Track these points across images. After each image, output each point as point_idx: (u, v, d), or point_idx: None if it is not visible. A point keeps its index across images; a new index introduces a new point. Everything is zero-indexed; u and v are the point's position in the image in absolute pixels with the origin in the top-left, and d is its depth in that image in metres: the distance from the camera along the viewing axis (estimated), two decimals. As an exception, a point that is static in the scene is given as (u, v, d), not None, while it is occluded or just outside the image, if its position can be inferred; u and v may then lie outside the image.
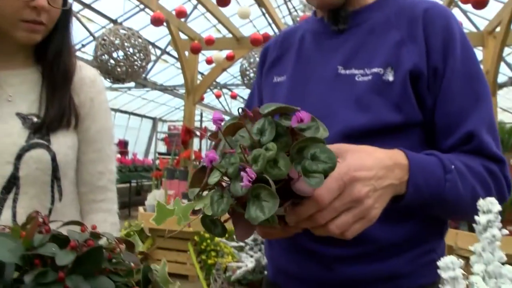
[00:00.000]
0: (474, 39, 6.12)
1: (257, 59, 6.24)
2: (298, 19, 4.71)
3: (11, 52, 1.08)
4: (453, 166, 0.79)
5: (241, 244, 3.41)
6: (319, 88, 0.94)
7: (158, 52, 9.96)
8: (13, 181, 1.01)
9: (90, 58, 7.92)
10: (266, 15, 7.37)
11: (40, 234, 0.48)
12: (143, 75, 9.59)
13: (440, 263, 0.54)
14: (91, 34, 8.12)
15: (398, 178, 0.73)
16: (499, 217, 0.53)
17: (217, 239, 3.72)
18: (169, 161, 6.71)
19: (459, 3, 5.34)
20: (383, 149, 0.75)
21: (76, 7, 7.42)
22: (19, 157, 1.01)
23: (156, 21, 4.97)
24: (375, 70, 0.88)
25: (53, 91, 1.10)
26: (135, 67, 4.95)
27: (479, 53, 6.64)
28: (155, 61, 10.08)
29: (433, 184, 0.77)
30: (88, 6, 7.68)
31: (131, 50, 4.96)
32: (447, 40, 0.87)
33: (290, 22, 8.54)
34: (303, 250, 0.88)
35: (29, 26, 1.02)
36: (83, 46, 8.58)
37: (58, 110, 1.08)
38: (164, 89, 11.98)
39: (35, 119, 1.06)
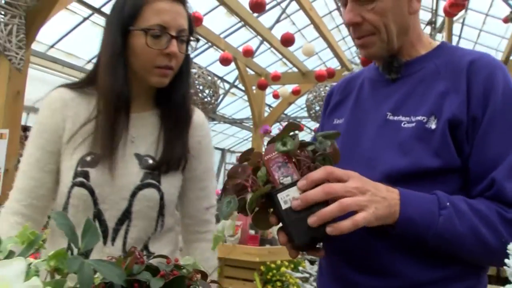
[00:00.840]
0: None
1: (323, 93, 6.37)
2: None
3: (135, 96, 1.17)
4: (448, 203, 0.85)
5: (306, 275, 3.46)
6: (370, 132, 1.01)
7: (227, 85, 10.34)
8: (126, 215, 1.12)
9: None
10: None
11: (137, 265, 0.63)
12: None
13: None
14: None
15: (390, 204, 0.84)
16: (522, 255, 0.58)
17: (283, 269, 3.78)
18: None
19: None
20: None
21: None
22: (133, 194, 1.12)
23: (225, 61, 5.28)
24: (419, 118, 0.95)
25: (173, 135, 1.19)
26: (205, 103, 5.25)
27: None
28: (224, 95, 10.44)
29: (426, 217, 0.84)
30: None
31: (201, 87, 5.27)
32: (488, 90, 0.92)
33: (355, 54, 8.61)
34: (346, 280, 0.96)
35: (161, 71, 1.13)
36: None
37: (172, 153, 1.17)
38: (233, 122, 12.35)
39: (150, 161, 1.16)
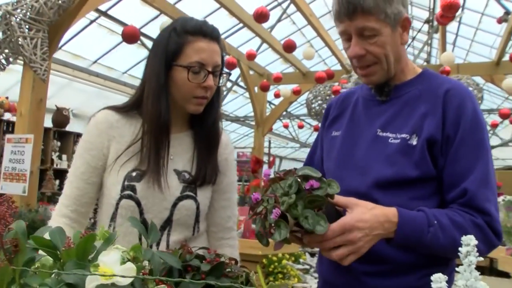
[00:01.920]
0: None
1: (322, 92, 6.59)
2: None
3: (173, 119, 1.31)
4: (435, 221, 1.03)
5: (306, 267, 3.69)
6: (362, 145, 1.19)
7: (229, 84, 10.50)
8: (168, 222, 1.27)
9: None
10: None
11: (188, 254, 0.87)
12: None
13: (432, 277, 0.81)
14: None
15: (387, 229, 1.02)
16: (476, 249, 0.68)
17: (284, 262, 4.00)
18: (240, 188, 7.11)
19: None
20: (381, 207, 1.04)
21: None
22: (174, 205, 1.27)
23: (230, 66, 5.51)
24: (403, 135, 1.13)
25: (205, 153, 1.34)
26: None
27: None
28: (226, 93, 10.61)
29: (417, 235, 1.03)
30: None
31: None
32: (459, 115, 1.11)
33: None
34: (342, 266, 1.07)
35: (198, 101, 1.27)
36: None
37: (206, 170, 1.32)
38: (235, 120, 12.52)
39: (187, 176, 1.31)
